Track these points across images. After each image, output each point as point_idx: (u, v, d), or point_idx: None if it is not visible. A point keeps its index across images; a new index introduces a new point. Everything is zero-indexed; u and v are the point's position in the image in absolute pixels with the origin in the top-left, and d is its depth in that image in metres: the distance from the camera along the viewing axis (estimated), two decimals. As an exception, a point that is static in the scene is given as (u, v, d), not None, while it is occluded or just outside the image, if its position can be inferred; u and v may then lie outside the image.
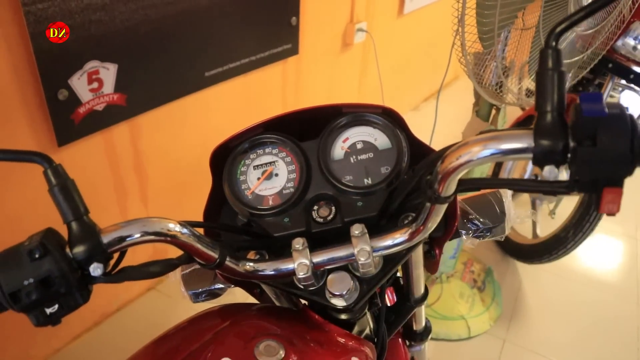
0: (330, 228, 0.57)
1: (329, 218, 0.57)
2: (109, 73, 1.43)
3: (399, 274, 0.80)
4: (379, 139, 0.60)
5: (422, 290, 0.80)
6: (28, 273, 0.41)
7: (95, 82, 1.41)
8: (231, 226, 0.62)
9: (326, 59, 2.37)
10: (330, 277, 0.56)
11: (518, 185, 0.49)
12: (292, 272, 0.55)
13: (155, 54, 1.52)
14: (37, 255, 0.41)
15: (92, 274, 0.43)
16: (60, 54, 1.29)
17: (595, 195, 0.39)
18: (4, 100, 1.23)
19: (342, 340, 0.57)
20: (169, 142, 1.72)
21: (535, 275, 2.15)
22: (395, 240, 0.55)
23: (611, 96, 2.29)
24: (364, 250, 0.53)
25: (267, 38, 1.91)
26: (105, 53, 1.39)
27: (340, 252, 0.55)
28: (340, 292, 0.55)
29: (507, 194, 0.76)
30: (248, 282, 0.68)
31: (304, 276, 0.54)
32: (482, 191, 0.77)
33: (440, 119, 1.63)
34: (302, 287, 0.57)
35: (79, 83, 1.36)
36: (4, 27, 1.19)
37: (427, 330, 1.01)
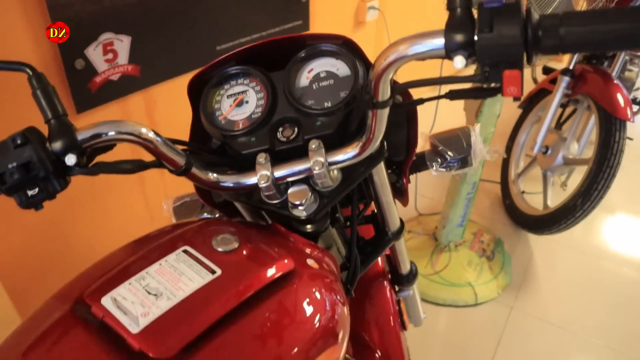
0: (292, 146, 0.62)
1: (292, 138, 0.63)
2: (123, 45, 1.52)
3: (374, 210, 0.85)
4: (340, 68, 0.65)
5: (398, 224, 0.85)
6: (11, 158, 0.48)
7: (110, 53, 1.50)
8: (205, 147, 0.68)
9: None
10: (290, 190, 0.62)
11: (446, 82, 0.54)
12: (254, 186, 0.61)
13: (168, 28, 1.60)
14: (19, 142, 0.48)
15: (67, 163, 0.50)
16: (76, 25, 1.38)
17: (498, 79, 0.43)
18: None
19: (302, 246, 0.62)
20: (182, 114, 1.79)
21: (546, 248, 2.16)
22: (347, 153, 0.60)
23: (629, 70, 2.26)
24: (319, 161, 0.59)
25: (278, 14, 1.97)
26: (119, 25, 1.48)
27: (298, 166, 0.60)
28: (299, 201, 0.61)
29: (475, 130, 0.80)
30: (229, 208, 0.74)
31: (265, 185, 0.59)
32: (453, 127, 0.81)
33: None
34: (267, 201, 0.63)
35: (95, 54, 1.45)
36: (25, 1, 1.28)
37: (413, 273, 1.05)
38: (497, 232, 2.18)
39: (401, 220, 0.86)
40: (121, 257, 0.55)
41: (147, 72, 1.61)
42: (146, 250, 0.55)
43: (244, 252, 0.55)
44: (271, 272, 0.53)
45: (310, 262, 0.59)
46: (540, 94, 2.22)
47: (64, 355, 0.46)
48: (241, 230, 0.59)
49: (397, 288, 1.10)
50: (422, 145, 0.81)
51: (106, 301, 0.48)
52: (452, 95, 0.54)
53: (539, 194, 2.20)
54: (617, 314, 1.84)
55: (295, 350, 0.50)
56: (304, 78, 0.66)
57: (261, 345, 0.48)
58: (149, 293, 0.49)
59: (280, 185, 0.62)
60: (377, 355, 1.00)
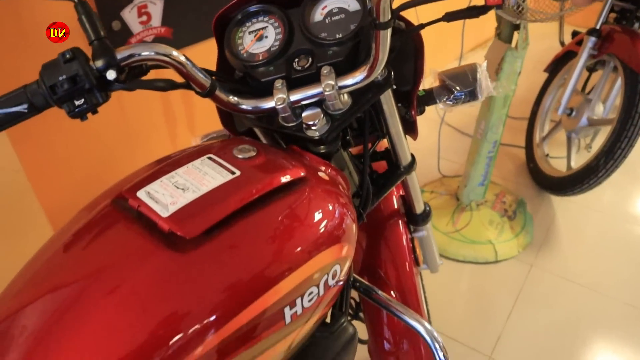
0: (307, 74, 0.69)
1: (306, 66, 0.69)
2: (156, 8, 1.60)
3: (386, 146, 0.91)
4: (351, 4, 0.71)
5: (409, 158, 0.91)
6: (61, 72, 0.56)
7: (144, 16, 1.58)
8: (228, 76, 0.76)
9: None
10: (304, 113, 0.69)
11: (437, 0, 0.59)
12: (272, 109, 0.68)
13: (198, -8, 1.68)
14: (67, 57, 0.56)
15: (108, 78, 0.58)
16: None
17: None
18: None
19: (315, 162, 0.69)
20: (213, 76, 1.88)
21: (570, 210, 2.17)
22: (355, 77, 0.66)
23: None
24: (329, 84, 0.65)
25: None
26: (152, -11, 1.56)
27: (312, 90, 0.67)
28: (312, 122, 0.67)
29: (482, 66, 0.85)
30: (251, 137, 0.82)
31: (281, 107, 0.66)
32: (461, 65, 0.86)
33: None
34: (284, 124, 0.70)
35: (130, 16, 1.54)
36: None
37: (426, 213, 1.11)
38: (520, 195, 2.21)
39: (412, 156, 0.92)
40: (153, 165, 0.63)
41: (178, 34, 1.69)
42: (175, 159, 0.63)
43: (261, 159, 0.62)
44: (285, 175, 0.60)
45: (321, 174, 0.66)
46: (567, 57, 2.21)
47: (107, 238, 0.54)
48: (260, 145, 0.67)
49: (412, 228, 1.16)
50: (432, 82, 0.87)
51: (141, 194, 0.56)
52: (449, 17, 0.59)
53: (563, 159, 2.21)
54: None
55: (301, 244, 0.57)
56: (318, 14, 0.72)
57: (271, 235, 0.55)
58: (177, 187, 0.57)
59: (296, 110, 0.69)
60: (391, 290, 1.07)
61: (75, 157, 1.54)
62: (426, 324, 0.85)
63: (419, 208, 1.09)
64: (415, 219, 1.11)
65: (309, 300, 0.58)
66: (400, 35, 0.67)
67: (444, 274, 1.87)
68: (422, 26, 0.66)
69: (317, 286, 0.58)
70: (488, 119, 1.74)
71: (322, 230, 0.60)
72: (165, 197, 0.55)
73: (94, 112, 0.60)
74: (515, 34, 1.59)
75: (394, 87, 0.74)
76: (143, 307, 0.48)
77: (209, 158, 0.62)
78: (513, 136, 2.62)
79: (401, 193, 1.12)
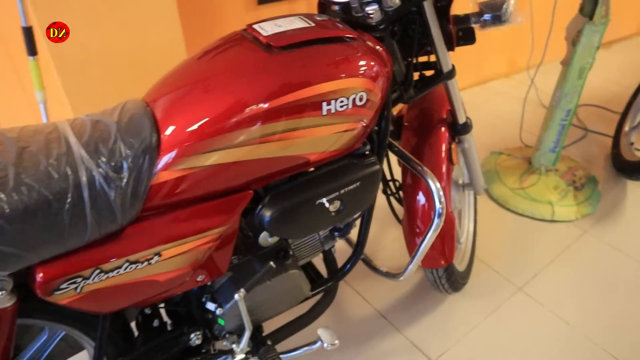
0: None
1: None
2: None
3: (431, 59, 1.24)
4: None
5: (450, 66, 1.24)
6: None
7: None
8: None
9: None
10: (367, 7, 1.05)
11: None
12: (347, 2, 1.05)
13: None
14: None
15: None
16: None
17: None
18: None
19: (368, 38, 1.05)
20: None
21: (643, 196, 2.27)
22: None
23: None
24: None
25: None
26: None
27: None
28: (371, 13, 1.04)
29: (510, 0, 1.15)
30: None
31: (353, 1, 1.04)
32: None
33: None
34: (354, 14, 1.07)
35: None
36: None
37: (468, 125, 1.42)
38: (596, 174, 2.35)
39: (453, 66, 1.25)
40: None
41: (313, -17, 2.12)
42: (275, 18, 1.04)
43: (331, 22, 1.01)
44: (343, 32, 0.98)
45: (369, 43, 1.03)
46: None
47: (234, 44, 0.97)
48: (334, 18, 1.06)
49: (457, 139, 1.48)
50: (471, 8, 1.19)
51: (255, 26, 0.98)
52: None
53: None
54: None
55: (340, 67, 0.94)
56: None
57: (323, 57, 0.93)
58: (276, 25, 0.98)
59: (362, 5, 1.06)
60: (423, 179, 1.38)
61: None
62: (436, 180, 1.18)
63: (461, 118, 1.40)
64: (457, 129, 1.43)
65: (341, 106, 0.96)
66: None
67: (498, 217, 2.12)
68: None
69: (347, 98, 0.96)
70: (563, 88, 1.95)
71: (351, 65, 0.96)
72: (268, 29, 0.97)
73: None
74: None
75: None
76: (248, 76, 0.89)
77: (299, 16, 1.02)
78: (605, 126, 2.72)
79: (448, 107, 1.44)
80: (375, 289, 1.83)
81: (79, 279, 0.86)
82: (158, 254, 0.91)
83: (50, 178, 0.79)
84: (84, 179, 0.81)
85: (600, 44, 1.83)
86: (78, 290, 0.87)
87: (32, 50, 1.61)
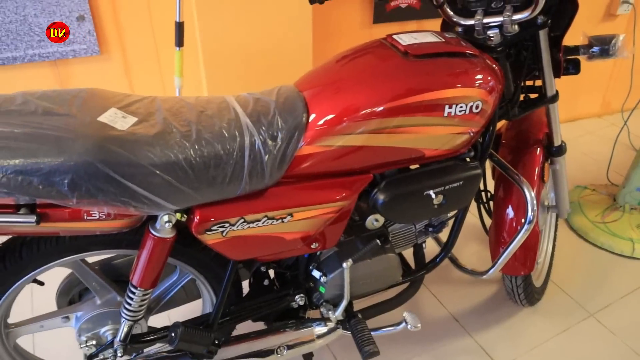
0: (495, 10, 1.21)
1: (499, 6, 1.21)
2: (414, -16, 2.23)
3: (536, 83, 1.37)
4: None
5: (554, 91, 1.36)
6: None
7: (405, -12, 2.23)
8: (454, 5, 1.31)
9: (584, 28, 2.78)
10: (489, 31, 1.20)
11: None
12: (471, 25, 1.21)
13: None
14: None
15: None
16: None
17: None
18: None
19: (487, 57, 1.20)
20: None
21: None
22: (523, 14, 1.16)
23: None
24: (507, 15, 1.16)
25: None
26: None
27: (496, 18, 1.18)
28: (492, 36, 1.19)
29: (620, 36, 1.27)
30: None
31: (477, 23, 1.20)
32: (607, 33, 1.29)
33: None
34: (476, 36, 1.23)
35: (396, -14, 2.20)
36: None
37: (562, 148, 1.53)
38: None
39: (557, 91, 1.37)
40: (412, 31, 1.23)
41: (425, 7, 2.30)
42: (411, 32, 1.21)
43: (458, 40, 1.18)
44: (467, 49, 1.15)
45: (487, 61, 1.18)
46: None
47: (375, 50, 1.15)
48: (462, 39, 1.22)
49: (549, 160, 1.59)
50: (581, 41, 1.31)
51: (396, 36, 1.16)
52: None
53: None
54: None
55: (462, 78, 1.10)
56: None
57: (449, 68, 1.10)
58: (413, 38, 1.15)
59: (485, 29, 1.21)
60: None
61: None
62: (531, 189, 1.31)
63: (557, 141, 1.52)
64: (552, 150, 1.54)
65: (460, 111, 1.11)
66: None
67: (576, 247, 2.18)
68: None
69: (466, 105, 1.11)
70: (659, 128, 2.00)
71: (473, 78, 1.12)
72: (405, 40, 1.15)
73: None
74: None
75: (548, 28, 1.21)
76: (387, 76, 1.07)
77: (432, 32, 1.19)
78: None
79: (546, 130, 1.55)
80: (451, 295, 1.94)
81: (227, 224, 1.07)
82: (291, 214, 1.10)
83: (223, 137, 1.00)
84: (247, 141, 1.01)
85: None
86: (224, 234, 1.07)
87: (180, 42, 1.89)
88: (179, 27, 1.87)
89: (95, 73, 2.04)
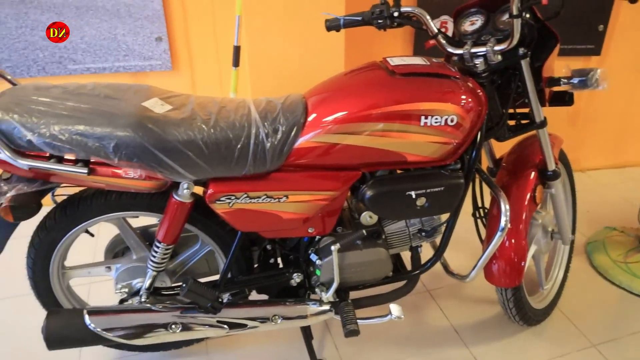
0: (481, 42, 1.40)
1: (486, 39, 1.41)
2: (450, 25, 2.45)
3: (524, 110, 1.53)
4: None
5: (542, 118, 1.51)
6: None
7: (443, 28, 2.45)
8: (447, 36, 1.52)
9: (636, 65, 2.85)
10: (475, 60, 1.40)
11: None
12: (460, 54, 1.41)
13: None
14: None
15: None
16: (427, 5, 2.37)
17: None
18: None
19: (471, 81, 1.39)
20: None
21: None
22: (501, 46, 1.35)
23: None
24: (490, 46, 1.35)
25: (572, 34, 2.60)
26: (449, 12, 2.42)
27: (482, 48, 1.38)
28: (478, 64, 1.39)
29: (599, 70, 1.41)
30: None
31: (466, 53, 1.40)
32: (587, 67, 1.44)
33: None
34: (465, 64, 1.43)
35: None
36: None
37: (556, 174, 1.66)
38: None
39: (545, 117, 1.52)
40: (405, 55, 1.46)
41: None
42: (404, 56, 1.43)
43: (442, 64, 1.38)
44: (448, 72, 1.35)
45: (469, 84, 1.37)
46: None
47: (368, 70, 1.38)
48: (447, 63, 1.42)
49: (546, 184, 1.71)
50: (564, 73, 1.47)
51: (388, 59, 1.39)
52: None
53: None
54: None
55: (438, 94, 1.30)
56: (505, 15, 1.43)
57: (428, 86, 1.30)
58: (402, 60, 1.37)
59: (473, 57, 1.41)
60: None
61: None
62: (507, 201, 1.46)
63: (550, 166, 1.65)
64: (546, 174, 1.67)
65: (435, 122, 1.31)
66: (529, 27, 1.33)
67: (593, 283, 2.21)
68: (544, 20, 1.31)
69: (441, 117, 1.31)
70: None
71: (449, 94, 1.31)
72: (395, 61, 1.37)
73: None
74: None
75: (529, 59, 1.39)
76: (372, 89, 1.30)
77: (421, 57, 1.41)
78: None
79: (539, 156, 1.68)
80: (456, 309, 2.06)
81: (232, 197, 1.32)
82: (286, 196, 1.34)
83: (234, 126, 1.26)
84: (253, 131, 1.27)
85: None
86: (230, 205, 1.33)
87: (236, 62, 2.22)
88: (236, 50, 2.21)
89: (166, 85, 2.42)
